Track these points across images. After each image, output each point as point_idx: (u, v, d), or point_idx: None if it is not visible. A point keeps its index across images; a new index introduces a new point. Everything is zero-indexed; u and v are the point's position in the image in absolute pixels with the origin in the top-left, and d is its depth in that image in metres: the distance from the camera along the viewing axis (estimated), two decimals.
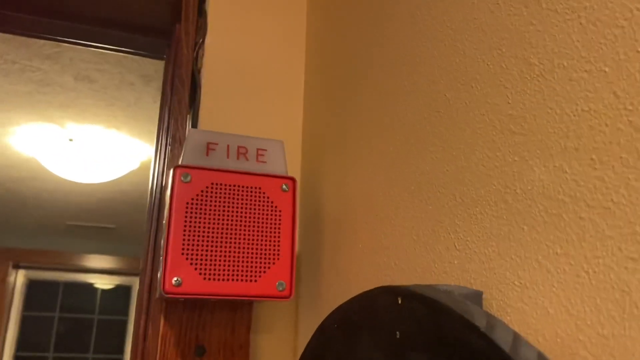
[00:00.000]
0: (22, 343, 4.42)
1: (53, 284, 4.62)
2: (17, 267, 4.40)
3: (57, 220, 4.06)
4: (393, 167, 0.62)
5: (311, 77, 0.95)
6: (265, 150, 0.76)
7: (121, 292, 4.82)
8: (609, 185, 0.34)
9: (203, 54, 0.93)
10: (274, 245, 0.72)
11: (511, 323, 0.40)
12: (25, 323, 4.45)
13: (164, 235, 0.70)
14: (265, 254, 0.71)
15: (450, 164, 0.51)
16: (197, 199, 0.70)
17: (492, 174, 0.45)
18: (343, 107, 0.79)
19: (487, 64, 0.47)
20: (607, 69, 0.35)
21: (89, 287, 4.75)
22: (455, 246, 0.49)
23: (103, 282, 4.80)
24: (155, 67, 2.03)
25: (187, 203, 0.70)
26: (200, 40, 0.95)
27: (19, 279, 4.44)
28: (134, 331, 0.88)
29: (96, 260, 4.53)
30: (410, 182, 0.58)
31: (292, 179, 0.75)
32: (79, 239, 4.57)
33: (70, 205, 3.68)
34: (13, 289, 4.38)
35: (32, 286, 4.54)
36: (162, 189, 0.92)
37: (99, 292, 4.77)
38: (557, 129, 0.39)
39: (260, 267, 0.71)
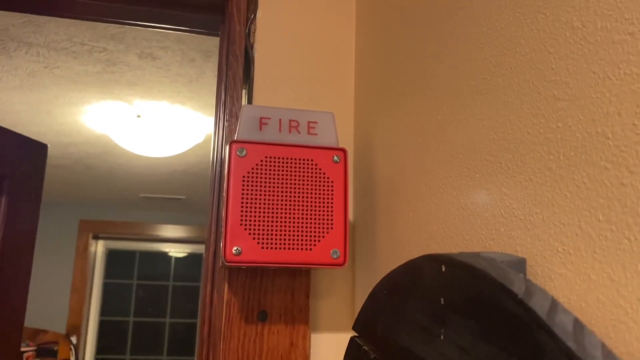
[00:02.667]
0: (105, 308, 4.74)
1: (130, 253, 4.90)
2: (96, 237, 4.69)
3: (131, 193, 4.28)
4: (441, 135, 0.63)
5: (362, 49, 0.95)
6: (316, 122, 0.78)
7: (193, 259, 5.04)
8: None
9: (255, 30, 0.95)
10: (327, 215, 0.74)
11: (555, 289, 0.41)
12: (106, 290, 4.77)
13: (224, 207, 0.73)
14: (319, 224, 0.74)
15: (496, 131, 0.51)
16: (252, 172, 0.73)
17: (537, 141, 0.45)
18: (392, 76, 0.79)
19: (531, 28, 0.47)
20: None
21: (163, 256, 5.00)
22: (501, 214, 0.49)
23: (176, 251, 5.04)
24: (214, 43, 2.07)
25: (244, 176, 0.73)
26: (252, 16, 0.96)
27: (99, 248, 4.74)
28: (201, 297, 0.93)
29: (169, 230, 4.75)
30: (458, 150, 0.58)
31: (343, 150, 0.77)
32: (152, 210, 4.80)
33: (143, 178, 3.86)
34: (94, 258, 4.68)
35: (111, 255, 4.83)
36: (222, 162, 0.96)
37: (172, 260, 5.02)
38: (600, 94, 0.38)
39: (315, 236, 0.73)
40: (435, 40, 0.66)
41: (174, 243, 5.00)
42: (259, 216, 0.72)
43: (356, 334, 0.65)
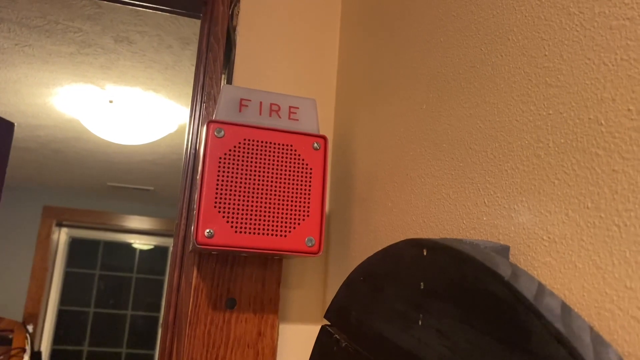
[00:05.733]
0: (65, 298, 4.62)
1: (94, 243, 4.79)
2: (60, 225, 4.57)
3: (98, 181, 4.18)
4: (425, 124, 0.62)
5: (346, 36, 0.94)
6: (298, 108, 0.76)
7: (159, 252, 4.96)
8: None
9: (238, 12, 0.93)
10: (304, 202, 0.73)
11: (538, 277, 0.40)
12: (67, 279, 4.65)
13: (198, 189, 0.71)
14: (295, 210, 0.72)
15: (483, 120, 0.51)
16: (229, 154, 0.71)
17: (526, 129, 0.44)
18: (377, 64, 0.78)
19: (525, 15, 0.46)
20: None
21: (128, 247, 4.90)
22: (484, 202, 0.48)
23: (141, 243, 4.94)
24: (193, 30, 2.04)
25: (220, 158, 0.71)
26: None
27: (62, 236, 4.62)
28: (168, 282, 0.91)
29: (135, 221, 4.66)
30: (442, 139, 0.57)
31: (324, 137, 0.75)
32: (119, 200, 4.71)
33: (111, 166, 3.78)
34: (56, 246, 4.56)
35: (74, 244, 4.72)
36: (197, 146, 0.93)
37: (137, 252, 4.93)
38: (594, 80, 0.37)
39: (290, 223, 0.72)
40: (422, 28, 0.65)
41: (139, 235, 4.91)
42: (234, 199, 0.70)
43: (328, 323, 0.63)
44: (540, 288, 0.33)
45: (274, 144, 0.73)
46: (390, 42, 0.75)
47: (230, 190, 0.70)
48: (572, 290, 0.37)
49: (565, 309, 0.31)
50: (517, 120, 0.45)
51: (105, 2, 1.26)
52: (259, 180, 0.72)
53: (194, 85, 1.01)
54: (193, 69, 2.22)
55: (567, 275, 0.37)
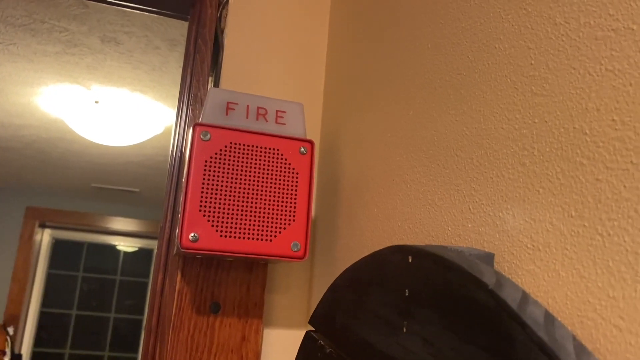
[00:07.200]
0: (47, 300, 4.56)
1: (77, 244, 4.74)
2: (43, 226, 4.52)
3: (82, 182, 4.14)
4: (411, 130, 0.62)
5: (334, 40, 0.94)
6: (285, 112, 0.76)
7: (143, 254, 4.92)
8: (629, 147, 0.33)
9: (227, 14, 0.93)
10: (290, 207, 0.72)
11: (522, 285, 0.40)
12: (50, 281, 4.59)
13: (183, 192, 0.71)
14: (281, 215, 0.72)
15: (469, 127, 0.51)
16: (215, 157, 0.71)
17: (511, 137, 0.44)
18: (364, 70, 0.78)
19: (512, 24, 0.46)
20: (634, 27, 0.34)
21: (112, 249, 4.86)
22: (470, 209, 0.49)
23: (126, 245, 4.90)
24: (180, 32, 2.03)
25: (206, 161, 0.70)
26: (225, 0, 0.94)
27: (44, 238, 4.57)
28: (151, 286, 0.90)
29: (120, 223, 4.62)
30: (428, 145, 0.58)
31: (311, 142, 0.75)
32: (103, 201, 4.66)
33: (96, 167, 3.74)
34: (39, 247, 4.51)
35: (57, 245, 4.66)
36: (183, 149, 0.93)
37: (121, 254, 4.88)
38: (579, 90, 0.38)
39: (276, 227, 0.71)
40: (410, 34, 0.65)
41: (124, 236, 4.86)
42: (219, 203, 0.70)
43: (312, 329, 0.63)
44: (524, 296, 0.33)
45: (261, 147, 0.73)
46: (378, 48, 0.75)
47: (216, 194, 0.70)
48: (555, 299, 0.37)
49: (549, 317, 0.31)
50: (502, 128, 0.46)
51: (92, 2, 1.24)
52: (244, 184, 0.71)
53: (180, 87, 1.00)
54: (180, 70, 2.21)
55: (551, 283, 0.37)
